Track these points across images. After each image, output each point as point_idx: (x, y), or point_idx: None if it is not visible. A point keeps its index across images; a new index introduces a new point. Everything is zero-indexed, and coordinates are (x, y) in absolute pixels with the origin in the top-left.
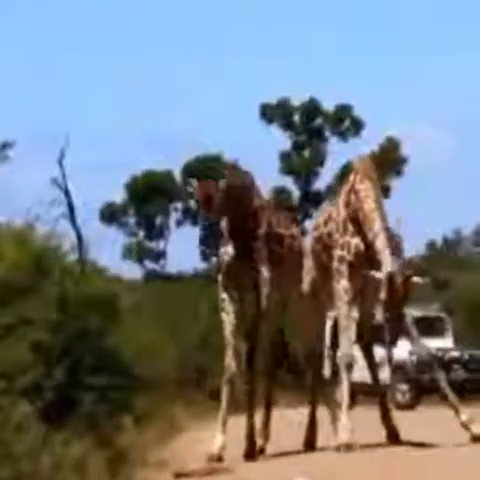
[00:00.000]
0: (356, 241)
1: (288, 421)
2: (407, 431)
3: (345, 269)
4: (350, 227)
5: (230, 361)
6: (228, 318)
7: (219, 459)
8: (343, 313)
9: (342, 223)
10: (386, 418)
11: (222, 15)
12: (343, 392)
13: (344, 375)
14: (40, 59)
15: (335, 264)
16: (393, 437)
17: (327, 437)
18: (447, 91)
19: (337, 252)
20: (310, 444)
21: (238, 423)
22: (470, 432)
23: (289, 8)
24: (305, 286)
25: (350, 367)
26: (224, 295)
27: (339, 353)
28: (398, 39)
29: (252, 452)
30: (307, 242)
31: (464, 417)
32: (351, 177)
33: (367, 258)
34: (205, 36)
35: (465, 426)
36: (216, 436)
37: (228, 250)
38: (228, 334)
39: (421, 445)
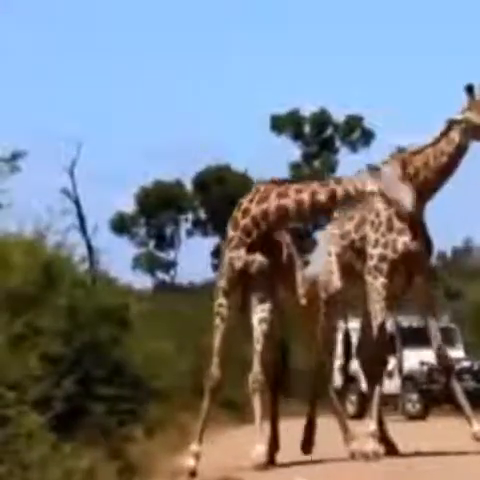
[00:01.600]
0: (404, 239)
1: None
2: (416, 441)
3: (386, 267)
4: (397, 224)
5: (215, 369)
6: (221, 325)
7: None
8: (378, 309)
9: (386, 221)
10: (381, 430)
11: (234, 27)
12: (374, 400)
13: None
14: (54, 67)
15: (374, 262)
16: (390, 448)
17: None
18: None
19: (377, 251)
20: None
21: (246, 432)
22: None
23: (299, 20)
24: (303, 297)
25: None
26: (223, 300)
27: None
28: (412, 52)
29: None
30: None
31: (477, 428)
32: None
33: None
34: (217, 48)
35: (477, 437)
36: (192, 446)
37: (241, 254)
38: (217, 341)
39: (427, 454)
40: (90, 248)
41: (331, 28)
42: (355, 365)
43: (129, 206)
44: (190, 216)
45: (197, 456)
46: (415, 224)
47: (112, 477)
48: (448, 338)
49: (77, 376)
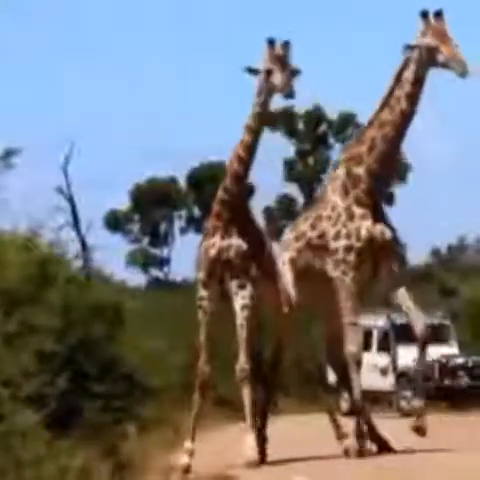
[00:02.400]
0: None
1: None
2: (410, 438)
3: (353, 258)
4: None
5: (203, 365)
6: (204, 318)
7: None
8: (349, 307)
9: (345, 211)
10: (369, 428)
11: (224, 24)
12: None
13: (354, 374)
14: (48, 67)
15: (339, 255)
16: (382, 446)
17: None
18: (453, 101)
19: (341, 243)
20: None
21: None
22: None
23: (292, 17)
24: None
25: (359, 364)
26: (203, 292)
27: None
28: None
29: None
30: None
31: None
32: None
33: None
34: (210, 44)
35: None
36: (185, 444)
37: (215, 241)
38: (202, 336)
39: (420, 452)
40: (84, 245)
41: (324, 25)
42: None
43: (123, 203)
44: (184, 213)
45: (191, 453)
46: (377, 207)
47: (106, 475)
48: (442, 335)
49: (71, 373)
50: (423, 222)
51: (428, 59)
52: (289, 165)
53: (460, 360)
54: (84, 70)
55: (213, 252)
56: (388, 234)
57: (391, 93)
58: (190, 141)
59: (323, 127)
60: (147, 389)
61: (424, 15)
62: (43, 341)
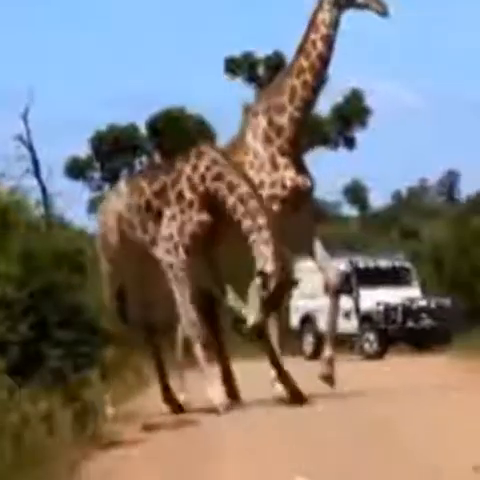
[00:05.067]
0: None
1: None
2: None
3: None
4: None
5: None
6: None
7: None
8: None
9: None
10: (282, 375)
11: None
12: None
13: None
14: (7, 14)
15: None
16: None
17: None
18: (414, 45)
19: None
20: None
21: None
22: None
23: None
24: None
25: None
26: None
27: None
28: None
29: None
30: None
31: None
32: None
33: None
34: None
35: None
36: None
37: None
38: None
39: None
40: (45, 193)
41: None
42: (312, 304)
43: (83, 151)
44: (145, 159)
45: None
46: (298, 157)
47: (68, 421)
48: (404, 277)
49: (32, 321)
50: (384, 166)
51: (346, 1)
52: (249, 110)
53: (422, 302)
54: (44, 16)
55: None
56: (309, 184)
57: (306, 38)
58: (149, 87)
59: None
60: (109, 335)
61: None
62: (3, 288)
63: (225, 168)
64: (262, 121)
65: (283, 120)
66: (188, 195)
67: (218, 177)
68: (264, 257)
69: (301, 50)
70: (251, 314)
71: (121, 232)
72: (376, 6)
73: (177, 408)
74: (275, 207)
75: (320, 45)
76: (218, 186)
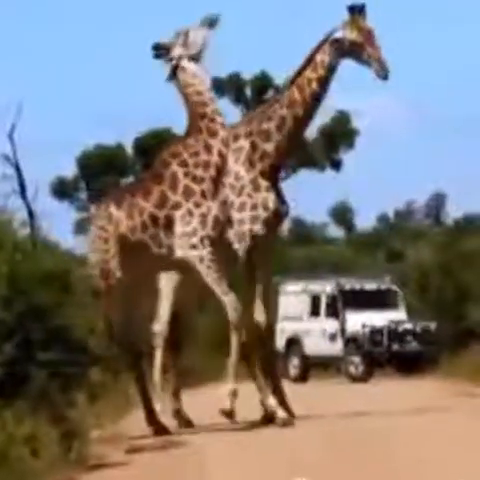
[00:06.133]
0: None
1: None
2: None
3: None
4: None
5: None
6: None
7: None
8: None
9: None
10: (277, 392)
11: None
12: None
13: None
14: None
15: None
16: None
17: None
18: (407, 64)
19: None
20: None
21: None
22: None
23: None
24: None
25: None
26: None
27: None
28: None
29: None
30: None
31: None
32: None
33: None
34: (157, 11)
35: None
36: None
37: None
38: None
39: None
40: (31, 213)
41: None
42: (297, 326)
43: (70, 171)
44: (131, 180)
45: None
46: (277, 183)
47: (54, 443)
48: (390, 300)
49: (18, 341)
50: (371, 187)
51: (349, 52)
52: None
53: (408, 325)
54: (30, 35)
55: None
56: (286, 209)
57: (301, 73)
58: (136, 107)
59: (270, 93)
60: (96, 356)
61: (351, 9)
62: None
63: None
64: (245, 145)
65: (268, 146)
66: (196, 187)
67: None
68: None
69: (295, 83)
70: None
71: (126, 257)
72: (377, 68)
73: (162, 430)
74: (256, 228)
75: (315, 85)
76: None
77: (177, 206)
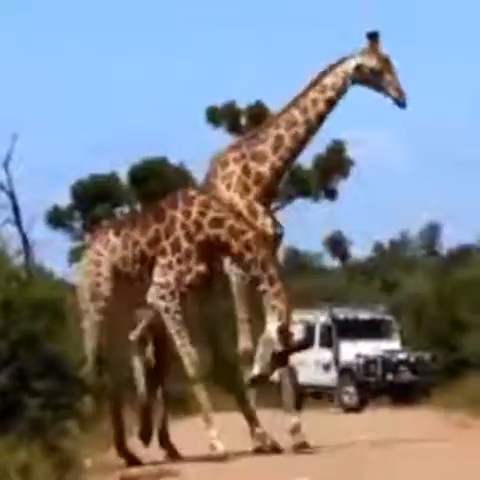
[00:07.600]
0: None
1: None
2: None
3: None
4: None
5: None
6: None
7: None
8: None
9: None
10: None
11: (171, 16)
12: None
13: None
14: None
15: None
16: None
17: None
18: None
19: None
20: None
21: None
22: None
23: (233, 15)
24: None
25: None
26: None
27: None
28: (353, 43)
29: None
30: None
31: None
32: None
33: None
34: (152, 36)
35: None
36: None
37: None
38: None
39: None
40: (26, 241)
41: (264, 23)
42: (292, 356)
43: (65, 199)
44: (126, 209)
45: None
46: (270, 205)
47: (47, 472)
48: (384, 330)
49: (12, 370)
50: (366, 217)
51: (368, 79)
52: None
53: (402, 355)
54: (27, 64)
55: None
56: (281, 231)
57: (305, 95)
58: (130, 137)
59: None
60: (89, 386)
61: (371, 36)
62: None
63: (221, 213)
64: (236, 169)
65: (263, 168)
66: (185, 244)
67: (217, 223)
68: (279, 311)
69: (295, 105)
70: (258, 364)
71: (116, 284)
72: (396, 95)
73: (134, 461)
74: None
75: (322, 105)
76: (218, 232)
77: (163, 253)
